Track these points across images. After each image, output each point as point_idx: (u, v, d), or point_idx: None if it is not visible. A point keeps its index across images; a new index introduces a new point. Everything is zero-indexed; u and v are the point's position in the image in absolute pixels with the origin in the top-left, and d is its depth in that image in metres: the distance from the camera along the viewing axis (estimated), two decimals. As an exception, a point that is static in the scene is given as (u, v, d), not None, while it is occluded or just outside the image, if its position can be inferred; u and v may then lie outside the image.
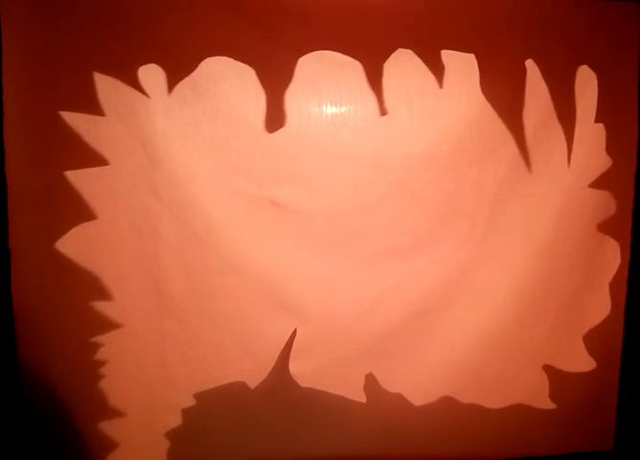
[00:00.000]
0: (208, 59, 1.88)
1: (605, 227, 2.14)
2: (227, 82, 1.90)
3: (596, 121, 2.09)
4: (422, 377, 2.14)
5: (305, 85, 1.95)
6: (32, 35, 1.79)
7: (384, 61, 1.96)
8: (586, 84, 2.07)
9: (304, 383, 2.07)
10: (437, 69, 1.99)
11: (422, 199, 2.06)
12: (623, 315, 2.20)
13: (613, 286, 2.18)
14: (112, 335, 1.93)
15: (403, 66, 1.98)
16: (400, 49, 1.96)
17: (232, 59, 1.89)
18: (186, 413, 2.03)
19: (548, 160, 2.09)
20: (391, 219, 2.06)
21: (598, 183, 2.12)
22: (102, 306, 1.92)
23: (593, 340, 2.19)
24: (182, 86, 1.88)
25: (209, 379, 2.03)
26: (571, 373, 2.21)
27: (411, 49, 1.97)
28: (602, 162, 2.12)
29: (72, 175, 1.86)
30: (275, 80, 1.92)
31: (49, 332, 1.89)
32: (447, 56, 1.99)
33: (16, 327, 1.86)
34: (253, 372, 2.05)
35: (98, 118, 1.85)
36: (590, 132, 2.10)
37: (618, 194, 2.13)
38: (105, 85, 1.84)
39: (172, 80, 1.87)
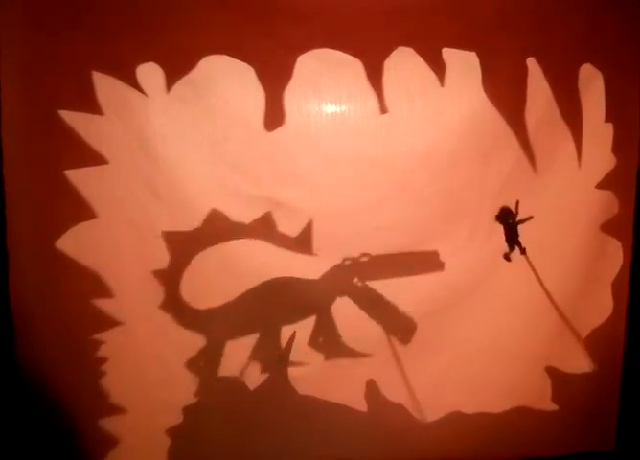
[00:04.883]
0: (207, 58, 1.86)
1: (608, 227, 2.12)
2: (226, 81, 1.89)
3: (605, 120, 2.07)
4: (423, 378, 2.13)
5: (304, 84, 1.93)
6: (30, 34, 1.78)
7: (385, 59, 1.94)
8: (591, 83, 2.04)
9: (304, 385, 2.07)
10: (438, 67, 1.97)
11: (423, 199, 2.04)
12: (625, 316, 2.18)
13: (615, 286, 2.16)
14: (112, 333, 1.94)
15: (404, 64, 1.96)
16: (400, 47, 1.94)
17: (231, 58, 1.88)
18: (186, 411, 2.04)
19: (554, 160, 2.07)
20: (392, 219, 2.04)
21: (602, 183, 2.10)
22: (102, 304, 1.92)
23: (595, 341, 2.18)
24: (181, 85, 1.87)
25: (209, 377, 2.03)
26: (573, 374, 2.20)
27: (412, 47, 1.94)
28: (608, 162, 2.10)
29: (71, 174, 1.85)
30: (274, 79, 1.91)
31: (49, 329, 1.90)
32: (449, 54, 1.97)
33: (15, 325, 1.86)
34: (253, 372, 2.05)
35: (96, 117, 1.84)
36: (598, 132, 2.07)
37: (621, 193, 2.11)
38: (104, 84, 1.83)
39: (171, 79, 1.86)
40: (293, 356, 2.05)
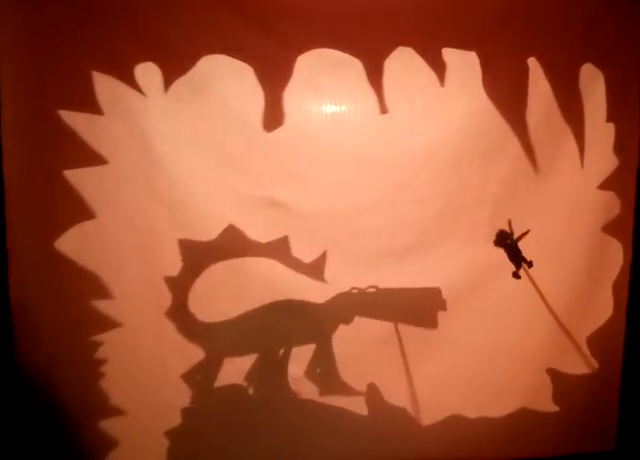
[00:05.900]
0: (205, 57, 1.87)
1: (610, 228, 2.12)
2: (225, 81, 1.89)
3: (607, 120, 2.07)
4: (424, 380, 2.12)
5: (304, 84, 1.93)
6: (30, 34, 1.78)
7: (385, 59, 1.94)
8: (592, 83, 2.05)
9: (303, 386, 2.06)
10: (438, 67, 1.97)
11: (423, 199, 2.05)
12: (625, 317, 2.18)
13: (616, 287, 2.16)
14: (112, 334, 1.93)
15: (404, 64, 1.96)
16: (400, 47, 1.94)
17: (230, 58, 1.88)
18: (185, 412, 2.03)
19: (555, 160, 2.07)
20: (392, 219, 2.04)
21: (604, 184, 2.10)
22: (101, 304, 1.92)
23: (595, 342, 2.18)
24: (179, 85, 1.87)
25: (208, 379, 2.03)
26: (573, 375, 2.19)
27: (412, 47, 1.95)
28: (609, 162, 2.10)
29: (70, 175, 1.85)
30: (274, 79, 1.91)
31: (48, 330, 1.89)
32: (449, 54, 1.97)
33: (15, 326, 1.86)
34: (252, 373, 2.04)
35: (96, 117, 1.84)
36: (601, 132, 2.07)
37: (622, 194, 2.11)
38: (103, 84, 1.83)
39: (169, 79, 1.86)
40: (294, 355, 2.05)
